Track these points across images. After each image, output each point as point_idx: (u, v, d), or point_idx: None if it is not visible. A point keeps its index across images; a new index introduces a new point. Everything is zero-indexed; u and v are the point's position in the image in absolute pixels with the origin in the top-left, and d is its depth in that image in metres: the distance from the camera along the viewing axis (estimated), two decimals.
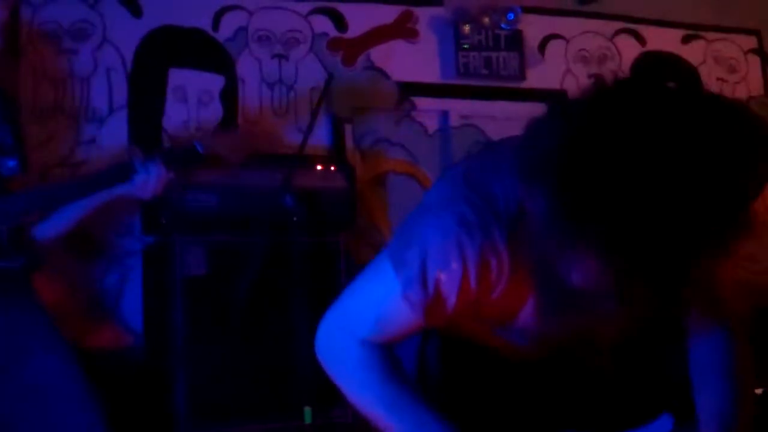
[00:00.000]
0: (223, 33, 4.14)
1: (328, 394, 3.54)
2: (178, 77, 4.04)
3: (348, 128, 4.25)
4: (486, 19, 4.47)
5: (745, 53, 5.11)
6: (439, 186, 1.51)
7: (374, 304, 1.48)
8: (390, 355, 1.50)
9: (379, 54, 4.38)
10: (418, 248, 1.40)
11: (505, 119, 4.55)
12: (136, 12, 4.01)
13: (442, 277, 1.38)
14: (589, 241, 1.14)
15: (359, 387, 1.50)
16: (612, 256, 1.13)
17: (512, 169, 1.30)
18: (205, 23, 4.11)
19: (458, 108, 4.49)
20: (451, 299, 1.40)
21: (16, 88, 3.78)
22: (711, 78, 4.98)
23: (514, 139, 1.33)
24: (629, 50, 4.85)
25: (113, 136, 3.88)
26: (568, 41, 4.73)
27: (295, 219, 3.36)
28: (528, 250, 1.31)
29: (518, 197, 1.33)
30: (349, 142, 4.24)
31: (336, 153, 4.15)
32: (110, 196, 2.63)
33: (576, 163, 1.12)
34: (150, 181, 2.50)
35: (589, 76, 4.74)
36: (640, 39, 4.88)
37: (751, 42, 5.14)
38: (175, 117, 4.00)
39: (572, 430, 1.62)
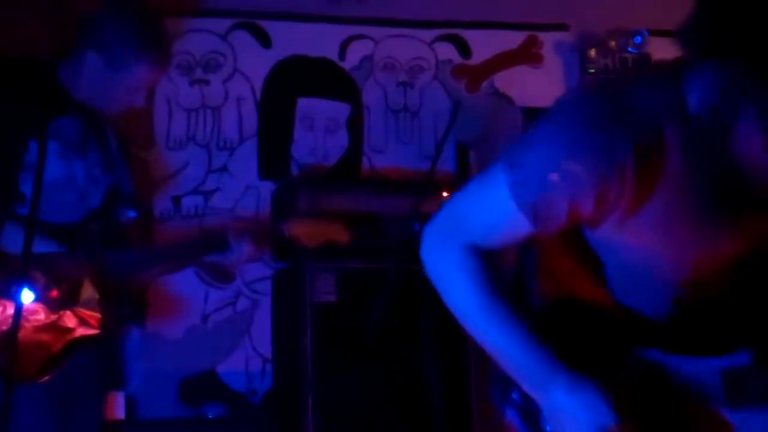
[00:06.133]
0: (349, 62, 4.18)
1: (460, 424, 3.51)
2: (305, 106, 4.10)
3: (472, 154, 4.23)
4: (612, 43, 4.37)
5: None
6: (569, 97, 1.43)
7: (481, 208, 1.46)
8: (490, 264, 1.46)
9: (503, 80, 4.35)
10: (535, 151, 1.37)
11: None
12: (266, 43, 4.10)
13: (556, 178, 1.32)
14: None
15: (457, 292, 1.48)
16: None
17: (654, 78, 1.31)
18: (331, 52, 4.16)
19: None
20: (562, 205, 1.35)
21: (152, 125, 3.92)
22: None
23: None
24: None
25: (243, 164, 3.97)
26: None
27: None
28: (677, 158, 1.29)
29: (659, 106, 1.29)
30: (473, 169, 4.21)
31: (461, 179, 4.12)
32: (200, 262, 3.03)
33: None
34: (241, 257, 2.79)
35: None
36: None
37: None
38: (303, 145, 4.06)
39: (655, 349, 1.52)
